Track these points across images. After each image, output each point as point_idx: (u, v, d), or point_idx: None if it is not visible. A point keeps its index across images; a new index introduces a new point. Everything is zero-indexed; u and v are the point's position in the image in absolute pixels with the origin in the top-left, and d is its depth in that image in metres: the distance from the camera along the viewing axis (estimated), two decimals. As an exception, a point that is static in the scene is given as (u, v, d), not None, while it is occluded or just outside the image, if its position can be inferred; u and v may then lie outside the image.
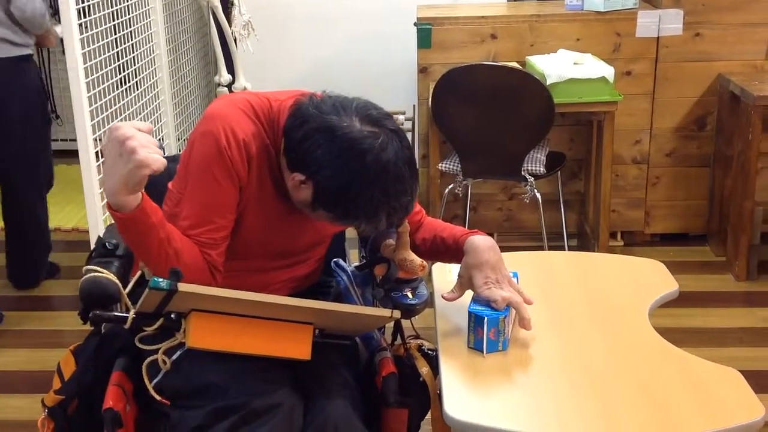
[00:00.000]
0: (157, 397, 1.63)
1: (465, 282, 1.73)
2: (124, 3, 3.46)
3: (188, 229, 1.62)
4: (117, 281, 1.65)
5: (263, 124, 1.67)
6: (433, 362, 1.79)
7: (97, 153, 3.17)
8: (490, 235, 1.79)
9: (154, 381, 1.65)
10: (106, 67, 3.27)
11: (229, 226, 1.66)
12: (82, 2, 3.06)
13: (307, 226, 1.78)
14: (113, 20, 3.36)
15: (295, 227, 1.77)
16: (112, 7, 3.34)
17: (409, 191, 1.61)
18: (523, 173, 3.37)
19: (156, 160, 1.43)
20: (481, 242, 1.74)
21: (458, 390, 1.55)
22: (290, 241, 1.79)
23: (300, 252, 1.83)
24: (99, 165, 3.19)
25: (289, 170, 1.63)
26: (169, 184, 1.78)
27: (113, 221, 1.53)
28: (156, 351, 1.62)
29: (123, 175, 1.43)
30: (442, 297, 1.75)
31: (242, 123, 1.64)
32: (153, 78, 3.80)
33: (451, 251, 1.81)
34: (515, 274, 1.77)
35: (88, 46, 3.10)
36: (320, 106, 1.60)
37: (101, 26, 3.24)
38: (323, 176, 1.57)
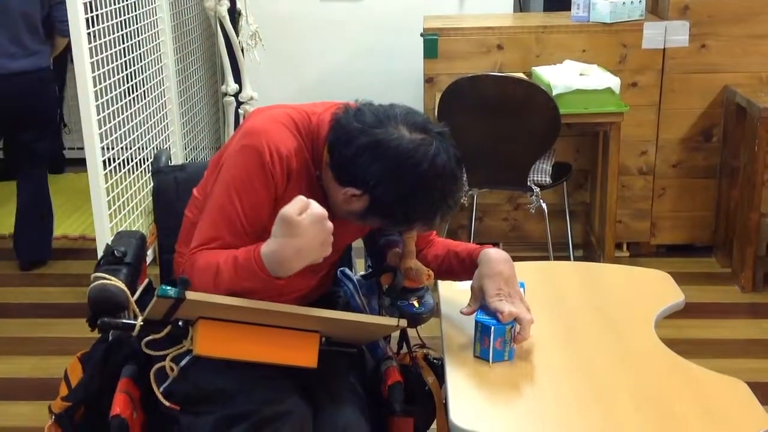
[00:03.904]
0: (166, 403, 1.64)
1: (477, 292, 1.73)
2: (131, 13, 3.49)
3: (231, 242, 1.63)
4: (125, 288, 1.67)
5: (304, 139, 1.68)
6: (439, 371, 1.79)
7: (104, 161, 3.19)
8: (496, 245, 1.80)
9: (163, 386, 1.66)
10: (114, 77, 3.29)
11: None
12: (91, 12, 3.08)
13: (334, 237, 1.80)
14: (121, 30, 3.38)
15: None
16: (120, 17, 3.37)
17: (461, 187, 1.66)
18: (528, 183, 3.37)
19: None
20: (497, 254, 1.74)
21: (464, 399, 1.55)
22: None
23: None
24: (107, 173, 3.21)
25: (339, 185, 1.64)
26: (195, 191, 1.80)
27: (240, 272, 1.56)
28: (163, 357, 1.63)
29: (312, 259, 1.54)
30: (461, 312, 1.74)
31: (285, 139, 1.64)
32: (160, 87, 3.82)
33: (465, 265, 1.81)
34: (522, 284, 1.77)
35: (97, 55, 3.12)
36: (362, 119, 1.61)
37: (109, 36, 3.26)
38: (380, 189, 1.59)
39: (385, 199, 1.60)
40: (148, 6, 3.66)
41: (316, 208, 1.50)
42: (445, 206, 1.63)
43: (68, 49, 3.77)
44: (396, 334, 1.89)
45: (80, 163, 4.42)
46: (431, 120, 1.65)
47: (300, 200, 1.50)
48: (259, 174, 1.61)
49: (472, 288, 1.74)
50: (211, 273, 1.57)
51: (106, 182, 3.21)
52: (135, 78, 3.53)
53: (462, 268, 1.82)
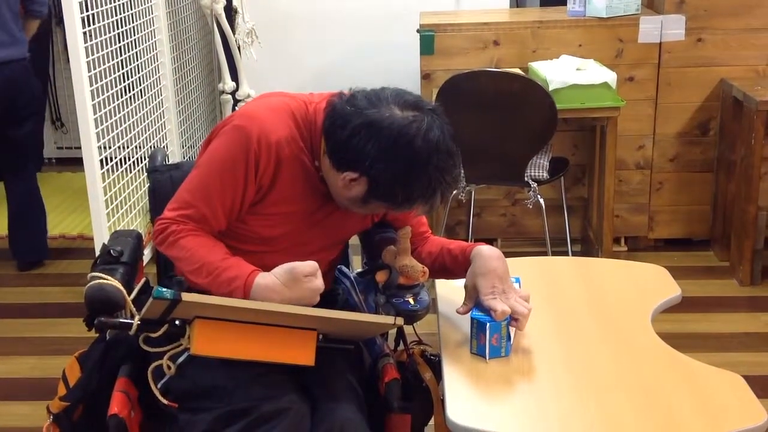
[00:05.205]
0: (164, 401, 1.64)
1: (471, 291, 1.73)
2: (128, 11, 3.48)
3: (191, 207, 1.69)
4: (122, 288, 1.66)
5: (300, 128, 1.71)
6: (436, 368, 1.79)
7: (101, 161, 3.18)
8: (494, 241, 1.81)
9: (160, 383, 1.66)
10: (110, 75, 3.29)
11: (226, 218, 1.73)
12: (87, 11, 3.07)
13: (335, 230, 1.80)
14: (117, 28, 3.37)
15: (324, 227, 1.80)
16: (116, 16, 3.36)
17: (458, 163, 1.67)
18: (526, 179, 3.37)
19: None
20: (489, 251, 1.75)
21: (461, 395, 1.55)
22: (318, 240, 1.81)
23: (320, 251, 1.84)
24: (104, 172, 3.21)
25: (337, 171, 1.66)
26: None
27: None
28: (160, 355, 1.63)
29: (295, 300, 1.60)
30: (457, 311, 1.74)
31: (278, 128, 1.68)
32: (157, 86, 3.81)
33: (458, 262, 1.81)
34: (517, 280, 1.77)
35: (93, 54, 3.12)
36: (355, 103, 1.64)
37: (106, 35, 3.26)
38: (377, 170, 1.61)
39: (383, 178, 1.61)
40: (145, 4, 3.65)
41: (319, 282, 1.62)
42: (444, 183, 1.64)
43: (46, 43, 3.71)
44: (393, 331, 1.89)
45: (77, 162, 4.43)
46: (421, 97, 1.68)
47: (313, 266, 1.61)
48: (242, 159, 1.65)
49: (465, 287, 1.75)
50: (192, 264, 1.65)
51: (103, 181, 3.20)
52: (131, 77, 3.52)
53: (455, 265, 1.82)
